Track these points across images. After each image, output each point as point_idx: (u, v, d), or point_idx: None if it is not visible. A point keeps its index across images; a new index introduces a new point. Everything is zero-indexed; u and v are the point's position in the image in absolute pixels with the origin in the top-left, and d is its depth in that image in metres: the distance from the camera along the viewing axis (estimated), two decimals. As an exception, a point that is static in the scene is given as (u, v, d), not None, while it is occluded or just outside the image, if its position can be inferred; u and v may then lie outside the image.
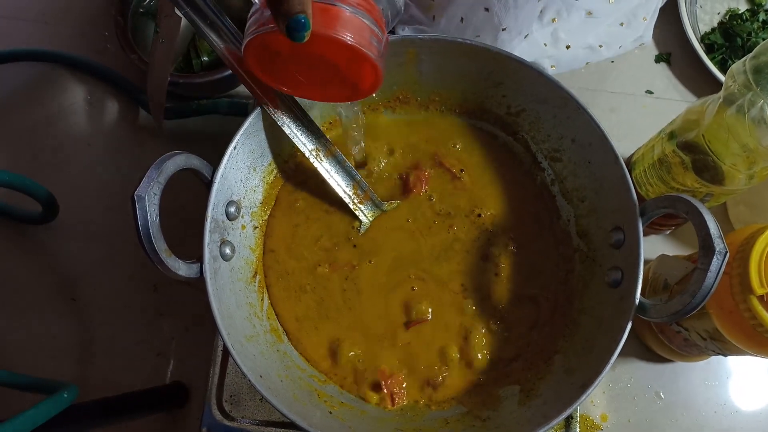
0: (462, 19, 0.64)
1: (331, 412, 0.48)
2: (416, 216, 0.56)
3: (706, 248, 0.41)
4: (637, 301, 0.44)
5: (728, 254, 0.40)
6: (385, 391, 0.51)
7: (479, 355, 0.53)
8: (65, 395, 0.49)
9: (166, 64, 0.62)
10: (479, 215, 0.56)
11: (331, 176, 0.53)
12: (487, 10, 0.62)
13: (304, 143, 0.51)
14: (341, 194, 0.54)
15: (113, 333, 0.64)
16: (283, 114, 0.49)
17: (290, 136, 0.50)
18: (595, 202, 0.52)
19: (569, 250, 0.55)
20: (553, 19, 0.68)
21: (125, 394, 0.57)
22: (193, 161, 0.45)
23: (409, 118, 0.58)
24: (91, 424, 0.54)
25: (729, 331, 0.47)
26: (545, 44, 0.69)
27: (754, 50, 0.47)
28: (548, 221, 0.56)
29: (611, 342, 0.44)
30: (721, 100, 0.49)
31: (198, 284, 0.45)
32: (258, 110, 0.49)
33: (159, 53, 0.62)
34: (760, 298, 0.44)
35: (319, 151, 0.52)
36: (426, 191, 0.56)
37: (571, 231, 0.55)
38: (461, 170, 0.57)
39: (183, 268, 0.44)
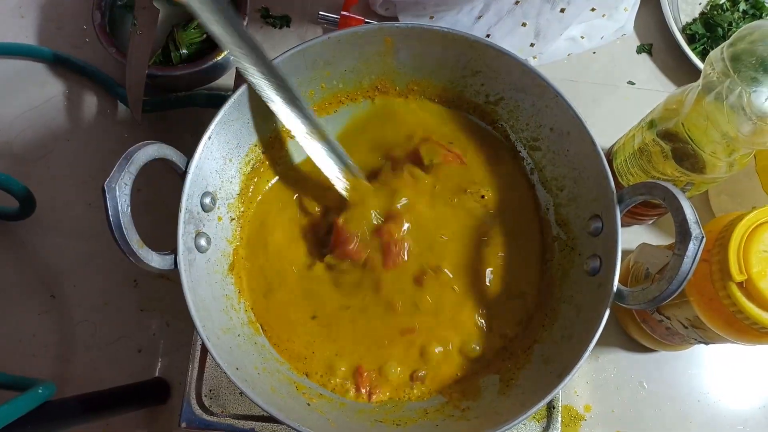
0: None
1: (309, 404, 0.48)
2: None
3: (683, 234, 0.40)
4: (614, 288, 0.44)
5: (705, 239, 0.40)
6: (362, 390, 0.51)
7: (464, 348, 0.52)
8: (40, 391, 0.48)
9: (144, 56, 0.62)
10: (469, 202, 0.55)
11: (323, 159, 0.52)
12: None
13: (296, 124, 0.50)
14: (332, 179, 0.52)
15: (93, 329, 0.63)
16: (275, 93, 0.49)
17: (279, 115, 0.49)
18: (573, 190, 0.52)
19: (548, 238, 0.54)
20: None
21: (105, 390, 0.57)
22: (165, 151, 0.44)
23: (387, 108, 0.58)
24: (69, 421, 0.53)
25: (710, 319, 0.47)
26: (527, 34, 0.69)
27: (731, 37, 0.47)
28: (529, 210, 0.56)
29: (589, 330, 0.44)
30: (700, 88, 0.49)
31: (175, 276, 0.45)
32: (233, 101, 0.49)
33: (136, 46, 0.62)
34: (740, 284, 0.44)
35: (311, 134, 0.51)
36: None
37: (551, 220, 0.55)
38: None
39: (156, 260, 0.43)
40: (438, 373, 0.52)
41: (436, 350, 0.52)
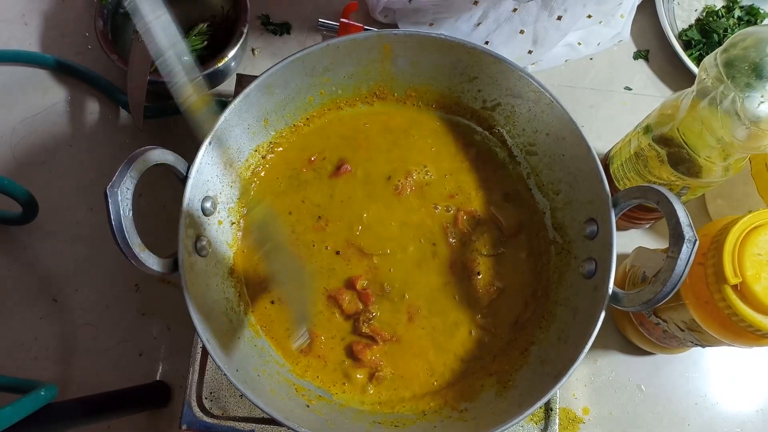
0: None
1: (308, 406, 0.48)
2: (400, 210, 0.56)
3: (677, 236, 0.41)
4: (610, 291, 0.45)
5: (698, 242, 0.41)
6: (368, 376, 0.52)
7: (461, 350, 0.53)
8: (42, 393, 0.48)
9: (146, 63, 0.63)
10: (458, 208, 0.56)
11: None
12: None
13: None
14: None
15: (95, 333, 0.64)
16: None
17: None
18: (569, 194, 0.53)
19: (545, 242, 0.55)
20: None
21: (106, 393, 0.57)
22: (167, 156, 0.45)
23: (386, 113, 0.58)
24: (71, 423, 0.53)
25: (705, 322, 0.48)
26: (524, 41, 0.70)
27: (725, 43, 0.47)
28: (525, 214, 0.56)
29: (586, 332, 0.44)
30: (694, 93, 0.50)
31: (176, 280, 0.45)
32: (233, 107, 0.49)
33: (138, 53, 0.63)
34: (734, 287, 0.45)
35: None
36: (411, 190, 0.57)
37: (547, 223, 0.55)
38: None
39: (157, 263, 0.44)
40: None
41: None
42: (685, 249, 0.40)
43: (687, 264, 0.40)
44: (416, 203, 0.56)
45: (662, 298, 0.41)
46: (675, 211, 0.41)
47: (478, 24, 0.70)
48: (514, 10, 0.68)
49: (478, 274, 0.54)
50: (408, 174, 0.56)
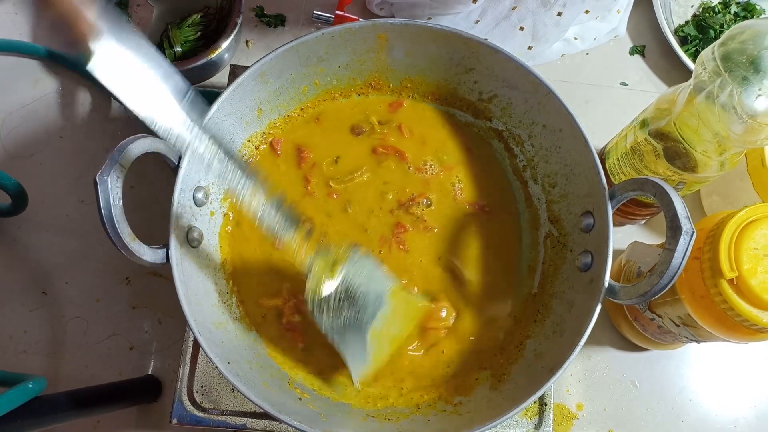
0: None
1: (301, 399, 0.48)
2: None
3: (674, 229, 0.41)
4: (606, 283, 0.44)
5: (695, 234, 0.40)
6: None
7: (454, 344, 0.52)
8: (30, 386, 0.47)
9: (138, 53, 0.62)
10: (454, 199, 0.56)
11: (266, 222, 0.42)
12: None
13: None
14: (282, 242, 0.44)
15: (85, 326, 0.63)
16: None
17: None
18: (565, 187, 0.52)
19: (540, 235, 0.54)
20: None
21: (96, 386, 0.56)
22: (158, 145, 0.44)
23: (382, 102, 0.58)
24: (59, 417, 0.52)
25: (701, 316, 0.48)
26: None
27: (722, 37, 0.47)
28: (520, 206, 0.56)
29: (581, 325, 0.44)
30: (691, 87, 0.49)
31: (167, 273, 0.45)
32: (226, 96, 0.49)
33: (131, 42, 0.62)
34: (730, 282, 0.44)
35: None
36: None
37: (542, 216, 0.55)
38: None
39: (148, 254, 0.43)
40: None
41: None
42: (683, 241, 0.40)
43: (684, 256, 0.40)
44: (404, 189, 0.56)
45: (659, 291, 0.41)
46: (672, 202, 0.41)
47: (477, 22, 0.69)
48: (514, 8, 0.68)
49: (469, 259, 0.54)
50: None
